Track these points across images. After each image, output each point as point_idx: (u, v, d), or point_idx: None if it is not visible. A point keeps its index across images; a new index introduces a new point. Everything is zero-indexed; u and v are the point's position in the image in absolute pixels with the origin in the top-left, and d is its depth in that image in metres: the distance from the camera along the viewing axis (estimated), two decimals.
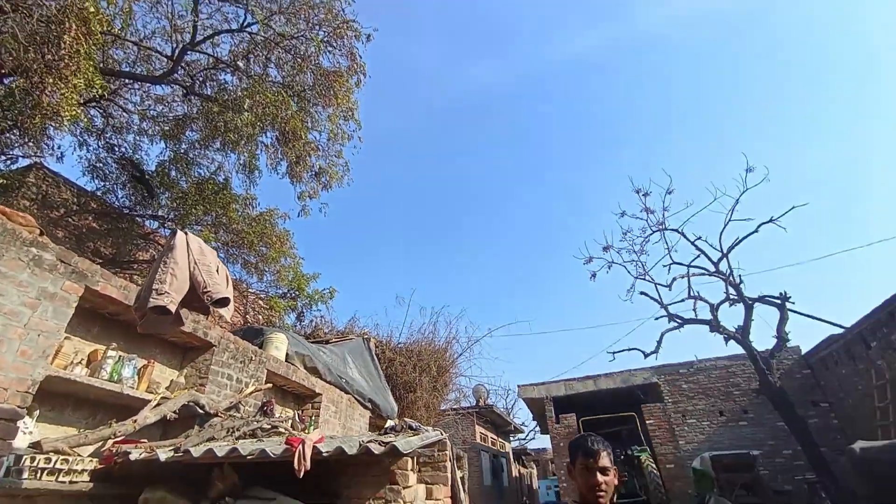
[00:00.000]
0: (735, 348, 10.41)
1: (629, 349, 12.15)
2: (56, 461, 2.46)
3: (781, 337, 9.81)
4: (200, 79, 6.45)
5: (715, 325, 10.45)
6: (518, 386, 14.39)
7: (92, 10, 3.82)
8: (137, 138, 6.72)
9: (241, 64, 6.24)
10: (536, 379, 14.59)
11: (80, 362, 2.92)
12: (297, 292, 6.99)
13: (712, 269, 10.98)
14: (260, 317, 7.06)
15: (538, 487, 21.79)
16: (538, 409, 14.86)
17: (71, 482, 2.52)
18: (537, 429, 21.77)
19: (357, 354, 6.39)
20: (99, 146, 6.41)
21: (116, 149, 6.55)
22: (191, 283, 2.43)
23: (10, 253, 2.39)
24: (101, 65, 5.02)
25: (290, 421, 4.04)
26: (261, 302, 7.18)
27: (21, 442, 2.44)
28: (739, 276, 10.59)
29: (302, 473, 2.45)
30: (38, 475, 2.38)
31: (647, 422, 12.07)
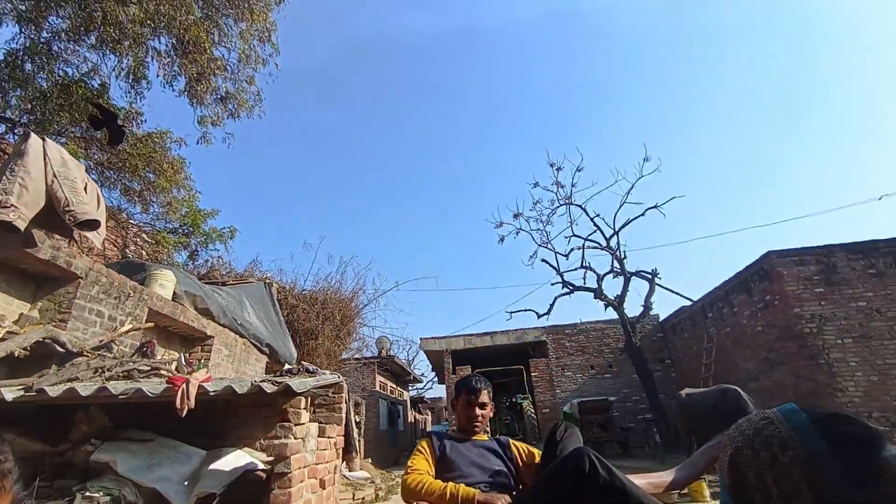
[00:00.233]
0: (612, 314, 11.99)
1: (525, 310, 13.32)
2: None
3: (647, 306, 11.50)
4: None
5: (599, 293, 11.85)
6: (420, 339, 15.02)
7: None
8: None
9: None
10: (438, 333, 15.33)
11: None
12: (190, 229, 6.31)
13: (604, 244, 12.30)
14: (143, 252, 6.26)
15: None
16: (437, 361, 15.74)
17: None
18: (435, 379, 23.18)
19: (257, 299, 6.08)
20: None
21: None
22: (48, 199, 2.06)
23: None
24: None
25: (174, 363, 3.77)
26: (145, 236, 6.34)
27: None
28: (624, 252, 12.04)
29: (185, 412, 2.34)
30: None
31: (532, 374, 13.51)
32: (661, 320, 13.54)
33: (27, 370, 3.01)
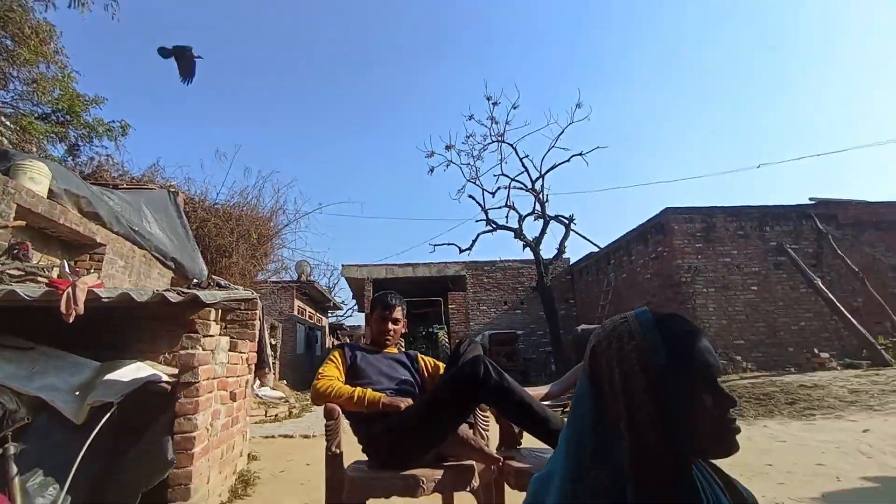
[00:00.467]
0: (528, 254, 12.79)
1: (448, 244, 13.71)
2: None
3: (561, 249, 12.42)
4: None
5: (519, 234, 12.49)
6: (342, 265, 14.92)
7: None
8: None
9: None
10: (361, 261, 15.32)
11: None
12: (67, 117, 5.29)
13: (529, 185, 12.76)
14: (4, 139, 5.16)
15: None
16: (359, 288, 15.87)
17: None
18: (355, 307, 23.48)
19: (159, 208, 5.48)
20: None
21: None
22: None
23: None
24: None
25: (55, 269, 3.36)
26: (4, 119, 5.19)
27: None
28: (547, 195, 12.63)
29: (72, 319, 2.15)
30: None
31: (450, 306, 14.27)
32: (570, 264, 14.81)
33: None
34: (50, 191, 3.66)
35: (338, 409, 1.58)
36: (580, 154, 12.53)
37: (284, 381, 11.42)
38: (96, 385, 2.44)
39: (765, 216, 9.82)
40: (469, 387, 1.47)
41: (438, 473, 1.49)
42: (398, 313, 2.03)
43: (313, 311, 17.96)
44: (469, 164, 13.39)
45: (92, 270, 3.91)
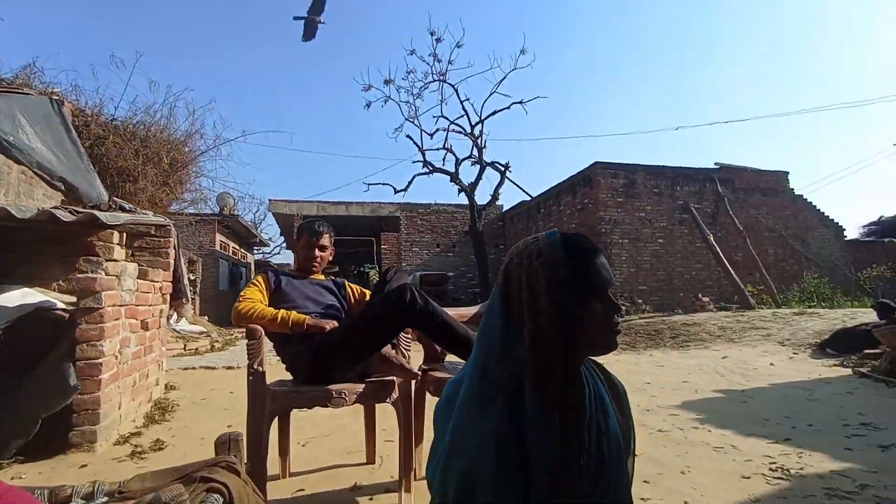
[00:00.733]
0: (463, 199, 12.93)
1: (383, 184, 13.39)
2: None
3: (495, 196, 12.71)
4: None
5: (455, 177, 12.51)
6: (269, 200, 14.05)
7: None
8: None
9: None
10: (290, 196, 14.51)
11: None
12: None
13: (468, 130, 12.64)
14: None
15: None
16: (287, 225, 15.16)
17: None
18: (284, 244, 22.54)
19: (39, 117, 4.65)
20: None
21: None
22: None
23: None
24: None
25: None
26: None
27: None
28: (485, 141, 12.64)
29: None
30: None
31: (382, 246, 14.23)
32: (503, 211, 15.28)
33: None
34: None
35: (260, 329, 1.57)
36: (520, 102, 12.54)
37: (206, 318, 10.94)
38: None
39: (677, 176, 10.75)
40: (396, 311, 1.53)
41: (360, 387, 1.58)
42: (325, 240, 2.00)
43: (237, 247, 16.97)
44: (408, 101, 12.85)
45: None
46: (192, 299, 11.45)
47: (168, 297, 3.49)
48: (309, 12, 6.15)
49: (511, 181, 12.66)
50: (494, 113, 12.62)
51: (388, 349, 1.68)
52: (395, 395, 1.62)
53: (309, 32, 6.55)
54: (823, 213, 12.05)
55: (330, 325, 1.68)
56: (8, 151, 3.99)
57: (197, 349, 6.78)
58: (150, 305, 3.07)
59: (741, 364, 4.54)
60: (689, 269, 10.45)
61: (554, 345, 0.68)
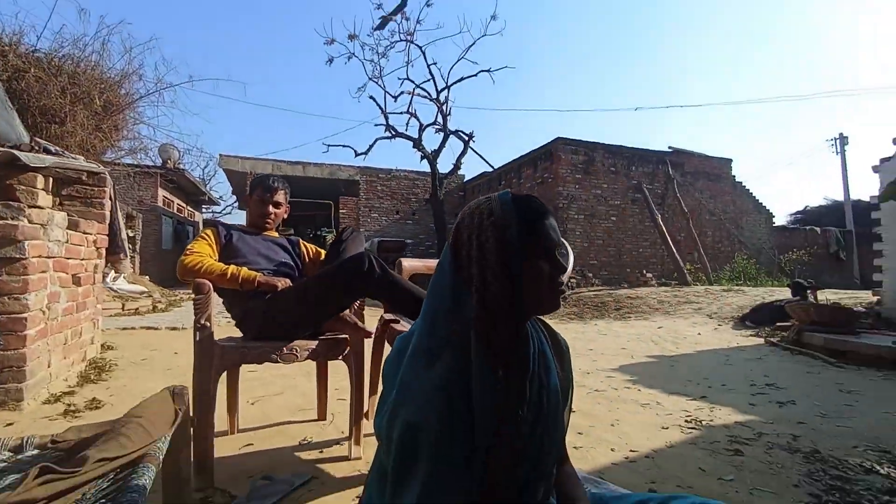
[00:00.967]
0: (425, 166, 12.76)
1: (343, 145, 12.93)
2: None
3: (457, 165, 12.62)
4: None
5: (418, 144, 12.26)
6: (220, 155, 13.19)
7: None
8: None
9: None
10: (243, 152, 13.71)
11: None
12: None
13: (434, 95, 12.32)
14: None
15: None
16: (240, 183, 14.37)
17: None
18: (235, 203, 21.43)
19: None
20: None
21: None
22: None
23: None
24: None
25: None
26: None
27: None
28: (450, 108, 12.41)
29: None
30: None
31: (341, 211, 13.87)
32: (465, 180, 15.26)
33: None
34: None
35: (208, 284, 1.52)
36: (488, 70, 12.33)
37: (147, 277, 10.33)
38: None
39: (633, 157, 11.14)
40: (354, 280, 1.50)
41: (313, 344, 1.58)
42: (280, 197, 1.92)
43: (183, 205, 15.95)
44: (373, 60, 12.27)
45: None
46: (132, 257, 10.75)
47: (103, 251, 3.26)
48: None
49: (474, 151, 12.57)
50: (462, 79, 12.35)
51: None
52: (348, 352, 1.64)
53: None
54: (758, 200, 13.00)
55: (283, 283, 1.65)
56: None
57: (137, 309, 6.43)
58: (82, 259, 2.86)
59: (673, 334, 4.94)
60: (637, 246, 11.02)
61: (500, 302, 0.71)
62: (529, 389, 0.78)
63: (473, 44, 12.18)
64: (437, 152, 12.25)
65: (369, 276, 1.50)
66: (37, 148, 2.68)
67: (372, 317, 1.85)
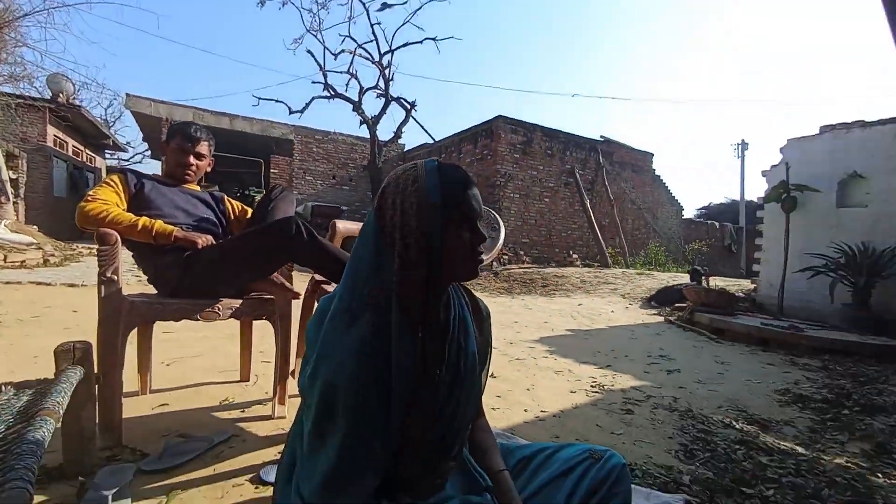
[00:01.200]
0: (364, 132, 12.33)
1: (276, 100, 12.04)
2: None
3: (398, 133, 12.34)
4: None
5: (358, 107, 11.77)
6: (127, 94, 11.64)
7: None
8: None
9: None
10: (158, 94, 12.23)
11: None
12: None
13: (377, 58, 11.81)
14: None
15: None
16: (153, 129, 12.87)
17: None
18: (147, 152, 19.20)
19: None
20: None
21: None
22: None
23: None
24: None
25: None
26: None
27: None
28: (393, 73, 11.99)
29: None
30: None
31: (272, 170, 13.03)
32: (405, 150, 15.00)
33: None
34: None
35: (115, 234, 1.38)
36: (434, 39, 12.01)
37: (35, 227, 9.02)
38: None
39: (568, 142, 11.65)
40: (279, 245, 1.44)
41: (237, 302, 1.53)
42: (203, 148, 1.77)
43: (80, 147, 13.97)
44: (311, 10, 11.48)
45: None
46: (14, 203, 9.30)
47: None
48: None
49: (416, 121, 12.34)
50: (406, 45, 11.93)
51: None
52: (275, 312, 1.60)
53: None
54: (672, 194, 14.32)
55: (203, 240, 1.52)
56: None
57: (24, 262, 5.65)
58: None
59: (591, 310, 5.40)
60: (566, 228, 11.69)
61: (420, 267, 0.73)
62: (448, 353, 0.82)
63: (420, 7, 11.71)
64: (377, 118, 11.87)
65: (296, 241, 1.43)
66: None
67: (302, 282, 1.82)
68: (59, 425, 0.85)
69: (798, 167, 5.21)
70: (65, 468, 1.16)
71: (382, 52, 11.68)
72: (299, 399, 0.82)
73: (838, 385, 2.69)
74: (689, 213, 18.40)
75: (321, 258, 1.49)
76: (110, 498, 1.07)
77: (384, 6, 10.85)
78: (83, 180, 12.78)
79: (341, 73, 11.74)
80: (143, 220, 1.47)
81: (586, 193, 11.25)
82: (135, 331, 1.50)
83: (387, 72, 11.71)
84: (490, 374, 0.99)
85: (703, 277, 5.78)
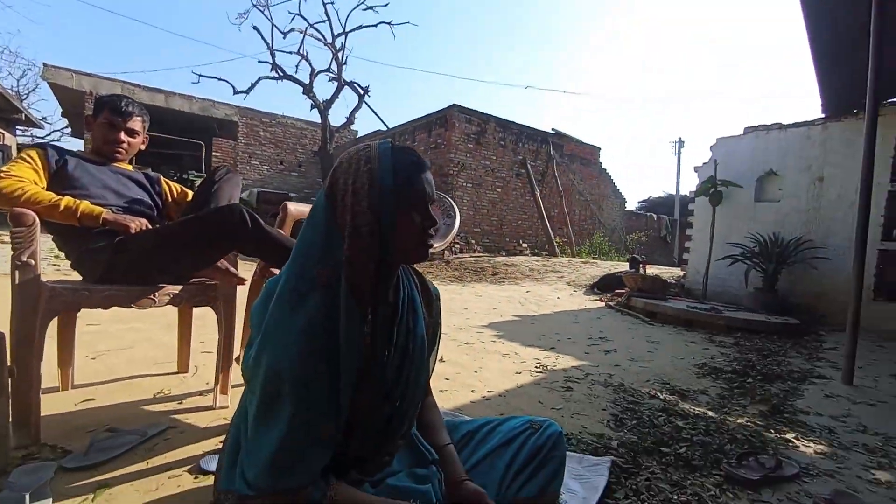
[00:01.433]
0: (315, 116, 11.91)
1: (220, 79, 11.33)
2: None
3: (350, 119, 12.05)
4: None
5: (309, 90, 11.33)
6: (45, 64, 10.46)
7: None
8: None
9: None
10: (80, 66, 11.09)
11: None
12: None
13: (329, 39, 11.40)
14: None
15: None
16: (74, 103, 11.67)
17: None
18: (67, 129, 17.38)
19: None
20: None
21: None
22: None
23: None
24: None
25: None
26: None
27: None
28: (346, 57, 11.63)
29: None
30: None
31: (214, 154, 12.28)
32: (357, 136, 14.65)
33: None
34: None
35: (32, 214, 1.27)
36: (389, 23, 11.78)
37: None
38: None
39: (521, 134, 11.90)
40: (222, 233, 1.36)
41: (176, 289, 1.46)
42: (137, 124, 1.63)
43: None
44: None
45: None
46: None
47: None
48: None
49: (369, 107, 12.09)
50: (360, 28, 11.61)
51: None
52: (218, 298, 1.55)
53: None
54: (616, 186, 15.09)
55: (136, 223, 1.41)
56: None
57: None
58: None
59: (538, 297, 5.62)
60: (517, 218, 11.99)
61: (369, 248, 0.74)
62: (397, 334, 0.84)
63: None
64: (329, 102, 11.52)
65: (241, 230, 1.36)
66: None
67: (246, 269, 1.76)
68: None
69: (725, 164, 5.68)
70: None
71: (335, 33, 11.30)
72: (243, 388, 0.81)
73: (746, 358, 3.05)
74: (632, 205, 19.49)
75: (267, 247, 1.43)
76: (28, 498, 1.01)
77: None
78: None
79: (291, 53, 11.32)
80: (67, 200, 1.36)
81: (537, 184, 11.59)
82: (54, 323, 1.39)
83: (340, 54, 11.36)
84: (439, 358, 1.02)
85: (640, 265, 6.18)
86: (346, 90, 11.65)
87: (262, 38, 10.96)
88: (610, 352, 3.02)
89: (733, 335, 3.85)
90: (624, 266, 7.75)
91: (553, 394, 2.08)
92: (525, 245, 11.06)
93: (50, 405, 1.50)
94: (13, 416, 1.19)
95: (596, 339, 3.39)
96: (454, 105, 10.57)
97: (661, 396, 2.11)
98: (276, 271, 1.60)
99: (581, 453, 1.41)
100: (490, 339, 3.18)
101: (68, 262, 1.51)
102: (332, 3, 11.24)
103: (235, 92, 11.17)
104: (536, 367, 2.53)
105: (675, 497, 1.21)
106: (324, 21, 11.28)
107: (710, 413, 1.93)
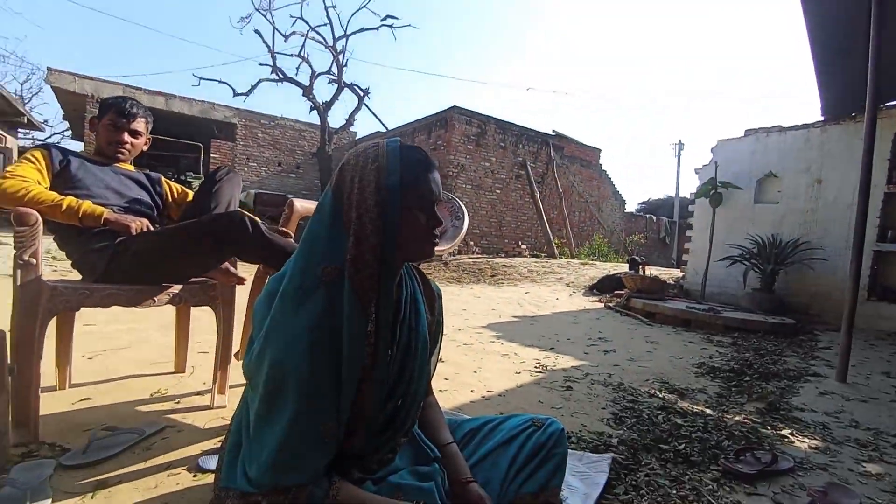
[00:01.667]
0: (314, 118, 11.92)
1: (220, 81, 11.36)
2: None
3: (350, 121, 12.07)
4: None
5: (308, 92, 11.36)
6: (49, 69, 10.49)
7: None
8: None
9: None
10: (83, 69, 11.11)
11: None
12: None
13: (330, 42, 11.44)
14: None
15: None
16: (76, 107, 11.69)
17: None
18: (69, 132, 17.40)
19: None
20: None
21: None
22: None
23: None
24: None
25: None
26: None
27: None
28: (347, 59, 11.66)
29: None
30: None
31: (213, 155, 12.29)
32: (356, 138, 14.68)
33: None
34: None
35: (35, 214, 1.26)
36: (390, 26, 11.81)
37: None
38: None
39: (521, 135, 11.92)
40: (223, 240, 1.36)
41: (176, 288, 1.46)
42: (140, 125, 1.64)
43: None
44: None
45: None
46: None
47: None
48: None
49: (369, 109, 12.11)
50: (362, 30, 11.65)
51: None
52: (217, 298, 1.55)
53: None
54: (616, 188, 15.11)
55: (137, 224, 1.41)
56: None
57: None
58: None
59: (537, 298, 5.62)
60: (516, 219, 12.01)
61: (374, 245, 0.74)
62: (399, 332, 0.84)
63: None
64: (328, 104, 11.54)
65: (243, 237, 1.35)
66: None
67: (247, 270, 1.76)
68: None
69: (725, 166, 5.70)
70: None
71: (336, 36, 11.34)
72: (242, 388, 0.80)
73: (743, 357, 3.07)
74: (631, 206, 19.52)
75: (268, 252, 1.42)
76: (28, 495, 1.01)
77: None
78: None
79: (291, 55, 11.35)
80: (69, 200, 1.36)
81: (536, 186, 11.61)
82: (52, 322, 1.39)
83: (340, 57, 11.39)
84: (440, 358, 1.01)
85: (640, 267, 6.19)
86: (346, 92, 11.70)
87: (264, 41, 11.00)
88: (609, 352, 3.02)
89: (731, 335, 3.86)
90: (623, 267, 7.76)
91: (553, 393, 2.08)
92: (524, 246, 11.07)
93: (48, 404, 1.50)
94: (13, 414, 1.19)
95: (595, 340, 3.40)
96: (454, 107, 10.60)
97: (660, 395, 2.11)
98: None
99: (581, 451, 1.41)
100: (489, 340, 3.18)
101: (66, 263, 1.51)
102: (334, 7, 11.27)
103: (235, 94, 11.19)
104: (536, 367, 2.53)
105: (675, 492, 1.22)
106: (325, 24, 11.33)
107: (708, 411, 1.94)
